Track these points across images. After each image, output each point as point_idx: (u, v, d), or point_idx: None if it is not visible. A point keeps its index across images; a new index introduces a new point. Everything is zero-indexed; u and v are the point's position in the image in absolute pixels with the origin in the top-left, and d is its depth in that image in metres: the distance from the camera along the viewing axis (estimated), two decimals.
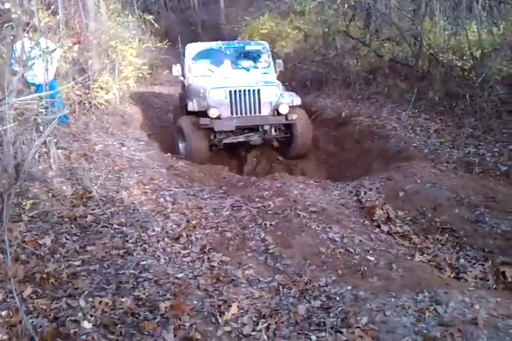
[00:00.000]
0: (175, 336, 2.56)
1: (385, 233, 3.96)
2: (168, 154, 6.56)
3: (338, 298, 2.98)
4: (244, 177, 5.88)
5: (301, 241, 3.69)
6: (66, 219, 3.84)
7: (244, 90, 6.71)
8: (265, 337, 2.63)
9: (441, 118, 6.39)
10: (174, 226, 3.89)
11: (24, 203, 3.86)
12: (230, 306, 2.89)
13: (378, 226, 4.05)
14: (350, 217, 4.23)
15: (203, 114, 6.60)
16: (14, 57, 4.90)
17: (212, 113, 6.49)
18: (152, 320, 2.67)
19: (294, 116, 6.73)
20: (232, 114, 6.70)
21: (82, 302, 2.74)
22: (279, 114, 6.75)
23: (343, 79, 9.71)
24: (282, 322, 2.76)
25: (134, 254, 3.43)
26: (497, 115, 6.18)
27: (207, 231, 3.82)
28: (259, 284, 3.20)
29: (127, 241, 3.61)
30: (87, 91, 8.27)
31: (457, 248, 3.77)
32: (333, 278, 3.22)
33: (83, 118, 7.55)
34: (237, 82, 7.04)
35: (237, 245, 3.70)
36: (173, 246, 3.58)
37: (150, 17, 11.33)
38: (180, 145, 7.05)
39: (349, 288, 3.08)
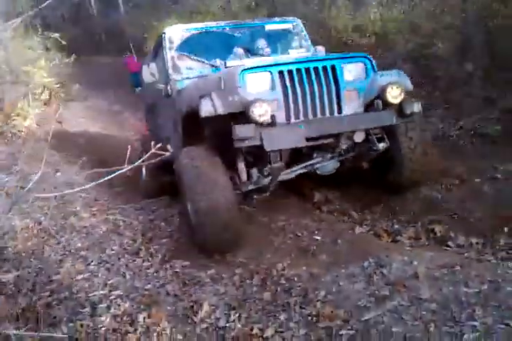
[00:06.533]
0: None
1: (326, 213, 4.33)
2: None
3: (296, 279, 3.29)
4: None
5: (254, 234, 3.97)
6: (23, 254, 3.92)
7: (308, 69, 3.54)
8: (239, 325, 2.90)
9: None
10: (131, 241, 4.06)
11: None
12: (202, 305, 3.14)
13: (319, 208, 4.42)
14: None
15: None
16: None
17: (259, 112, 3.27)
18: (134, 331, 2.87)
19: (417, 107, 3.63)
20: (289, 116, 3.55)
21: (64, 329, 2.90)
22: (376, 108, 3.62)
23: None
24: (251, 310, 3.01)
25: (100, 275, 3.59)
26: None
27: (163, 241, 4.02)
28: (223, 280, 3.44)
29: (89, 264, 3.76)
30: (8, 121, 8.14)
31: (391, 216, 4.21)
32: (289, 261, 3.54)
33: (7, 150, 7.42)
34: (285, 59, 4.08)
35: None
36: (134, 260, 3.76)
37: (56, 35, 11.05)
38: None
39: (304, 268, 3.39)
